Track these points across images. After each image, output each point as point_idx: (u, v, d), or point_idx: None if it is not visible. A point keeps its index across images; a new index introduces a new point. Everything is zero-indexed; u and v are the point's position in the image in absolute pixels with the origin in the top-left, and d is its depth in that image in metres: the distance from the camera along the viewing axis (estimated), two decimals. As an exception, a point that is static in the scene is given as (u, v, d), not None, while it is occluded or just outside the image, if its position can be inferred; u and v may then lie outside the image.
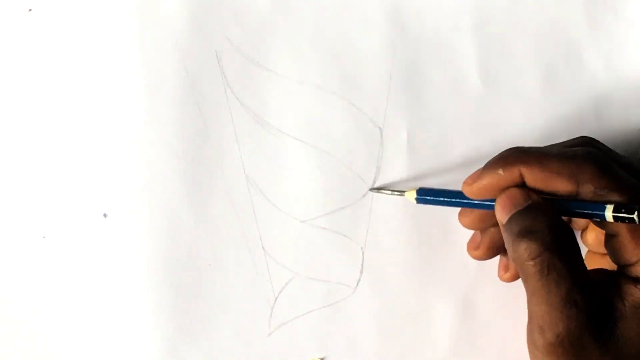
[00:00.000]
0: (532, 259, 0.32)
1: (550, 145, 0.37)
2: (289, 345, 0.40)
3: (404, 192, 0.39)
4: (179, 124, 0.40)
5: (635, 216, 0.31)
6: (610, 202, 0.32)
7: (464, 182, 0.36)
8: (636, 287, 0.32)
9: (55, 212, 0.40)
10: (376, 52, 0.41)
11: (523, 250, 0.33)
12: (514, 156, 0.34)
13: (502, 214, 0.34)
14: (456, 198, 0.37)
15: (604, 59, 0.42)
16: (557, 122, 0.41)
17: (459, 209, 0.38)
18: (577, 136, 0.38)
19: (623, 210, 0.32)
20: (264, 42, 0.40)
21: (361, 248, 0.41)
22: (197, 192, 0.40)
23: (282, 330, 0.40)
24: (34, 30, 0.40)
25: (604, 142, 0.41)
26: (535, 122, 0.41)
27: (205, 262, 0.40)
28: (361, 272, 0.41)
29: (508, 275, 0.38)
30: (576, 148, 0.34)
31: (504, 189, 0.34)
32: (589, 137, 0.37)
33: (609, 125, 0.42)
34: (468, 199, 0.36)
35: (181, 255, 0.40)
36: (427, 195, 0.38)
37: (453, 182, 0.41)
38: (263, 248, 0.40)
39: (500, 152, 0.35)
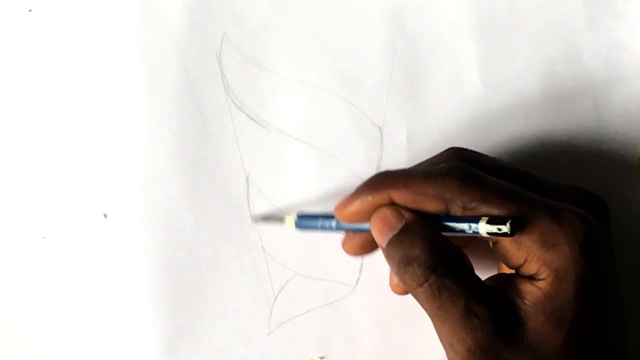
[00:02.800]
0: (420, 285, 0.32)
1: (417, 165, 0.37)
2: (288, 344, 0.40)
3: (284, 218, 0.39)
4: (179, 124, 0.40)
5: (507, 228, 0.31)
6: (481, 216, 0.32)
7: (336, 208, 0.36)
8: (532, 284, 0.32)
9: (55, 212, 0.40)
10: (376, 52, 0.41)
11: (409, 278, 0.32)
12: (381, 181, 0.34)
13: (379, 239, 0.34)
14: (335, 222, 0.36)
15: (604, 59, 0.42)
16: (557, 122, 0.41)
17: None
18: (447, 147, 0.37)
19: (497, 220, 0.31)
20: (264, 42, 0.40)
21: (360, 247, 0.41)
22: (197, 192, 0.40)
23: (281, 329, 0.40)
24: (34, 30, 0.40)
25: (603, 143, 0.41)
26: (535, 122, 0.41)
27: (205, 262, 0.40)
28: (360, 271, 0.41)
29: (400, 288, 0.37)
30: (441, 165, 0.34)
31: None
32: (456, 148, 0.37)
33: (609, 125, 0.42)
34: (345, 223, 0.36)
35: (181, 255, 0.40)
36: (305, 220, 0.38)
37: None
38: (263, 248, 0.40)
39: (369, 177, 0.35)
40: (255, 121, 0.40)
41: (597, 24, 0.42)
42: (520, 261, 0.32)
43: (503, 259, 0.33)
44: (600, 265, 0.32)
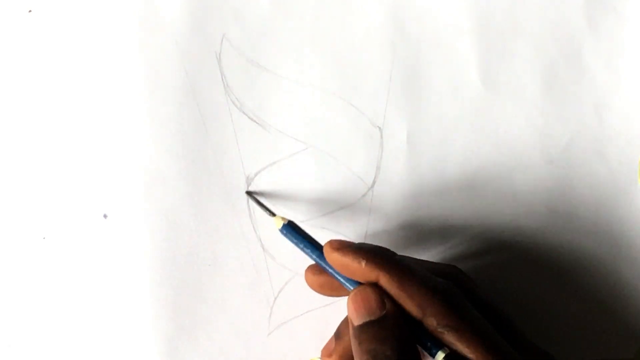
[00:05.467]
0: None
1: (421, 261, 0.37)
2: (288, 344, 0.40)
3: (274, 215, 0.38)
4: (179, 124, 0.40)
5: None
6: (445, 346, 0.32)
7: (328, 244, 0.35)
8: None
9: (55, 212, 0.40)
10: (376, 52, 0.41)
11: None
12: (382, 258, 0.34)
13: (353, 316, 0.34)
14: (315, 251, 0.36)
15: (604, 59, 0.42)
16: (557, 122, 0.41)
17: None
18: (447, 264, 0.38)
19: None
20: (264, 42, 0.40)
21: (361, 247, 0.40)
22: (197, 192, 0.40)
23: (281, 329, 0.40)
24: (34, 31, 0.40)
25: (603, 144, 0.41)
26: (535, 123, 0.41)
27: (205, 262, 0.40)
28: (360, 271, 0.41)
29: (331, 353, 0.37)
30: (440, 280, 0.34)
31: (360, 281, 0.34)
32: (457, 269, 0.37)
33: (609, 126, 0.42)
34: (324, 259, 0.35)
35: (181, 255, 0.40)
36: (291, 231, 0.37)
37: (452, 182, 0.41)
38: (263, 248, 0.40)
39: (374, 244, 0.35)
40: (255, 121, 0.40)
41: (597, 25, 0.42)
42: None
43: None
44: None
